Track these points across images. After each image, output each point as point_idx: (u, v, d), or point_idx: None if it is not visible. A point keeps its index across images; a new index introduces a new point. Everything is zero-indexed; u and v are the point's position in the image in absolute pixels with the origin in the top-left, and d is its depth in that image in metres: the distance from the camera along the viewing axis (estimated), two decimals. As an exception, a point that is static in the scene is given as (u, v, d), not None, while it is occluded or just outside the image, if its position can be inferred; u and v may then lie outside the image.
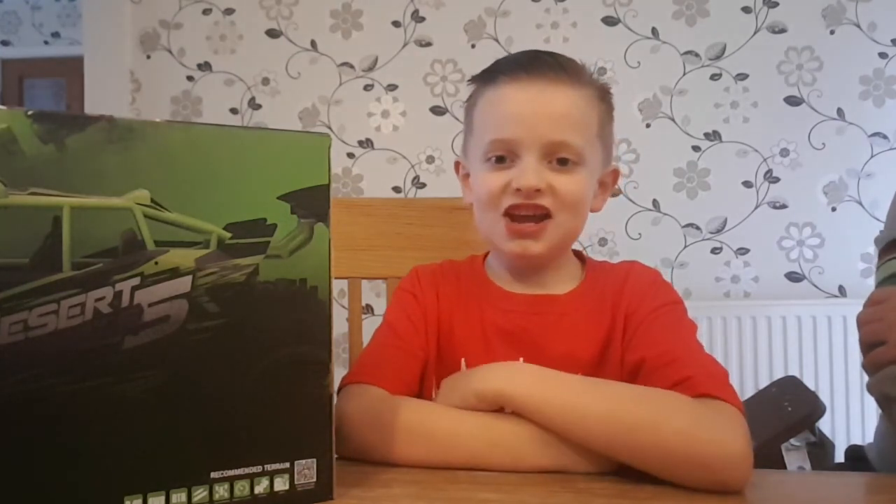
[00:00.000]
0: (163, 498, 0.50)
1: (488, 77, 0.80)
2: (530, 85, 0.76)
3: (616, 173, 0.84)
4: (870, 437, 0.98)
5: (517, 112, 0.76)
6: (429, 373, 0.81)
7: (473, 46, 2.30)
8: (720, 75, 2.23)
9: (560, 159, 0.75)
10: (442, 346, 0.82)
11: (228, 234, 0.52)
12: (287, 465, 0.55)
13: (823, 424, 1.56)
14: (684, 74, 2.25)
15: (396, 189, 2.32)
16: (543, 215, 0.76)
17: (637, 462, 0.62)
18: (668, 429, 0.61)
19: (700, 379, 0.66)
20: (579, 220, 0.79)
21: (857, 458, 0.98)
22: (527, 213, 0.76)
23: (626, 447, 0.62)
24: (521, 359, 0.76)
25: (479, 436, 0.65)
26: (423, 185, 2.31)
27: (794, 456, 1.26)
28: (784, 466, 1.24)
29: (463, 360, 0.79)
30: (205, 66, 2.37)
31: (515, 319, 0.79)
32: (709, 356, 0.71)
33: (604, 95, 0.80)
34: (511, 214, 0.76)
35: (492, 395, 0.66)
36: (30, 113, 0.46)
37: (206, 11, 2.36)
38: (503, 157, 0.77)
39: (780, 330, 2.12)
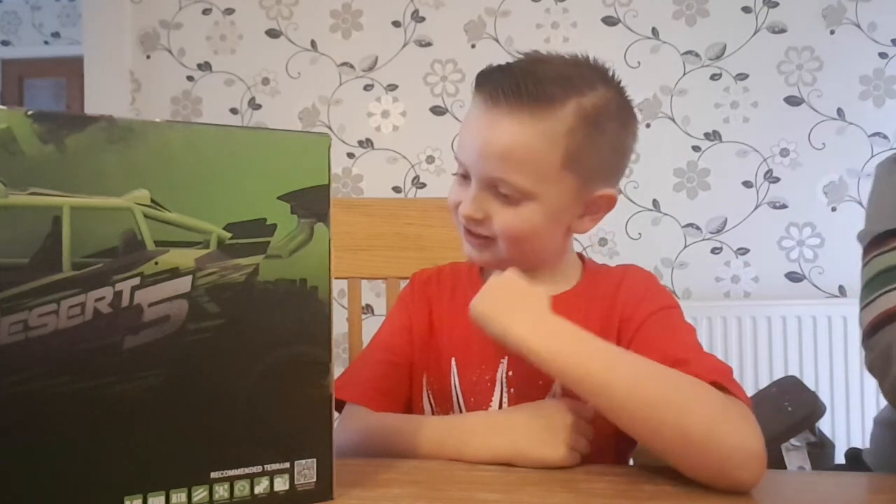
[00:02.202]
0: (163, 498, 0.50)
1: (474, 84, 0.78)
2: (487, 111, 0.74)
3: (609, 198, 0.78)
4: (870, 437, 0.98)
5: (469, 138, 0.76)
6: (418, 373, 0.83)
7: (473, 46, 2.30)
8: (720, 75, 2.23)
9: (502, 193, 0.74)
10: (433, 347, 0.83)
11: (228, 234, 0.52)
12: (287, 465, 0.55)
13: (823, 424, 1.56)
14: (684, 74, 2.25)
15: (396, 189, 2.32)
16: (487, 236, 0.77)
17: (656, 443, 0.61)
18: (693, 412, 0.60)
19: (708, 377, 0.65)
20: (528, 246, 0.77)
21: (857, 460, 0.98)
22: (472, 236, 0.78)
23: (648, 424, 0.61)
24: (507, 358, 0.77)
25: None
26: (423, 185, 2.31)
27: (794, 456, 1.26)
28: (784, 466, 1.24)
29: (453, 359, 0.81)
30: (205, 66, 2.37)
31: None
32: (712, 355, 0.71)
33: (587, 122, 0.73)
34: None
35: (519, 347, 0.66)
36: (30, 113, 0.46)
37: (206, 11, 2.36)
38: (464, 175, 0.77)
39: (780, 330, 2.12)
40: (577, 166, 0.74)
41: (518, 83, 0.72)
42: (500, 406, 0.77)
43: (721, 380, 0.64)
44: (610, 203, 0.79)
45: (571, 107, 0.73)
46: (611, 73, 0.78)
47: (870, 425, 0.98)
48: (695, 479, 0.60)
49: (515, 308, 0.69)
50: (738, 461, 0.58)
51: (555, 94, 0.73)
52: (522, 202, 0.74)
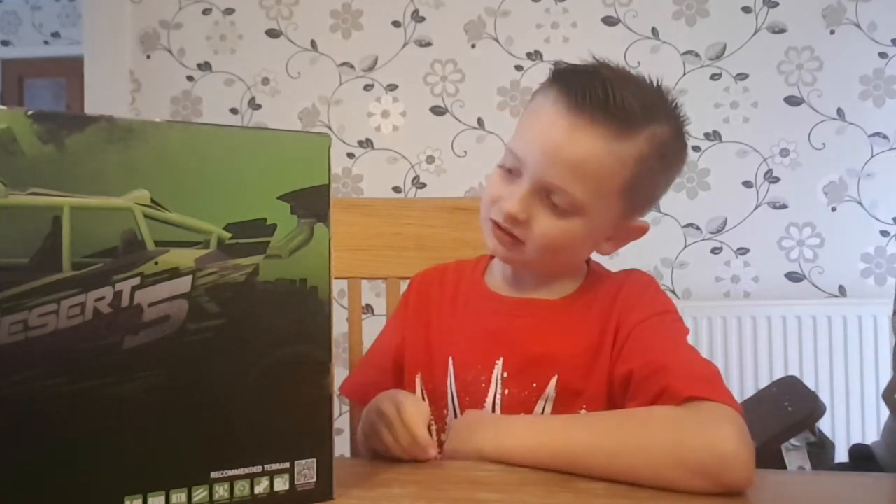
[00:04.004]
0: (163, 498, 0.50)
1: (552, 79, 0.76)
2: (569, 115, 0.71)
3: (641, 229, 0.79)
4: (870, 437, 0.98)
5: (539, 136, 0.73)
6: (410, 373, 0.84)
7: (473, 46, 2.30)
8: (720, 75, 2.23)
9: (553, 201, 0.73)
10: (431, 344, 0.84)
11: (228, 234, 0.52)
12: (287, 465, 0.55)
13: (823, 424, 1.55)
14: (684, 74, 2.24)
15: (396, 189, 2.32)
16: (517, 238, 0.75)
17: (642, 483, 0.61)
18: (655, 445, 0.61)
19: (684, 383, 0.66)
20: (557, 257, 0.77)
21: (862, 457, 0.97)
22: (502, 233, 0.76)
23: (622, 473, 0.61)
24: (502, 358, 0.78)
25: None
26: (423, 185, 2.31)
27: (794, 456, 1.26)
28: (784, 466, 1.23)
29: (450, 357, 0.81)
30: (205, 66, 2.37)
31: (499, 320, 0.80)
32: (696, 358, 0.71)
33: (655, 153, 0.73)
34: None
35: (494, 456, 0.67)
36: (30, 113, 0.46)
37: (206, 11, 2.36)
38: (511, 170, 0.75)
39: (780, 330, 2.12)
40: (632, 194, 0.74)
41: (608, 95, 0.70)
42: (494, 406, 0.77)
43: (694, 391, 0.65)
44: (640, 233, 0.79)
45: (647, 134, 0.72)
46: (677, 105, 0.78)
47: (869, 424, 0.98)
48: (696, 494, 0.59)
49: (475, 433, 0.70)
50: (716, 469, 0.58)
51: (638, 116, 0.72)
52: (570, 215, 0.73)
